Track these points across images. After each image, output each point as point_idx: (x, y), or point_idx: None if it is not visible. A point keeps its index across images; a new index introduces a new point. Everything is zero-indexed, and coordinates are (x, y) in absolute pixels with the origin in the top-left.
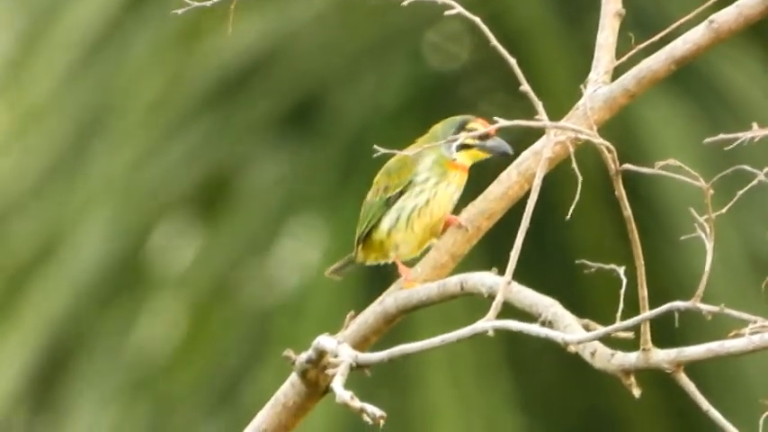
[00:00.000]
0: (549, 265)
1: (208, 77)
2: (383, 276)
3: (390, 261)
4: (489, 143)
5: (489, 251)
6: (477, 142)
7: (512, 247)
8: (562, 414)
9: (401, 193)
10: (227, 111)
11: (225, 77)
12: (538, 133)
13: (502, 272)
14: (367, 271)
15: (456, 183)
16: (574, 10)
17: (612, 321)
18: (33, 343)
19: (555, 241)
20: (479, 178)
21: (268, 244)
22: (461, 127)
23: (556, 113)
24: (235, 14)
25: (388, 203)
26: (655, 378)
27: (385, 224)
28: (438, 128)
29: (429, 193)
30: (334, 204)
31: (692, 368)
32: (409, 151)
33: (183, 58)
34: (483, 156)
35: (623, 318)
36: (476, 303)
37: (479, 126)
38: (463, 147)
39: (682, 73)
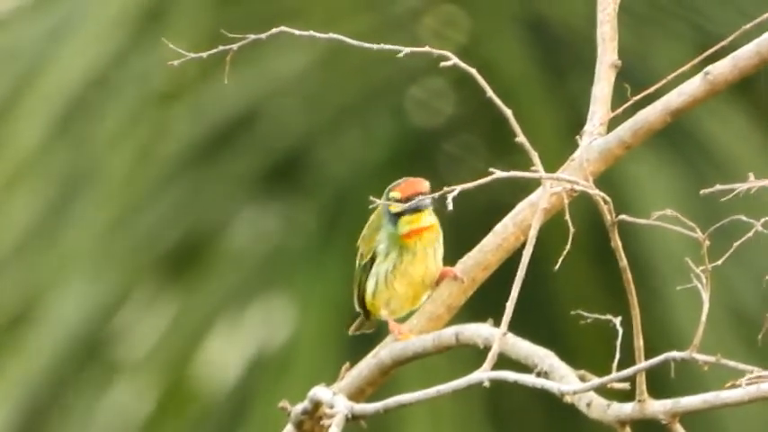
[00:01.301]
0: (534, 317)
1: (190, 134)
2: (369, 332)
3: (384, 319)
4: (411, 204)
5: (483, 302)
6: (402, 207)
7: (506, 298)
8: None
9: (373, 260)
10: (209, 168)
11: (207, 134)
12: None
13: (497, 323)
14: (354, 323)
15: (423, 246)
16: (559, 64)
17: (597, 371)
18: (8, 405)
19: (539, 293)
20: (475, 229)
21: (251, 298)
22: (387, 197)
23: (545, 166)
24: (218, 70)
25: (366, 269)
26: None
27: (369, 288)
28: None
29: (396, 260)
30: (317, 260)
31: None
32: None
33: (165, 115)
34: (420, 215)
35: (617, 368)
36: (457, 355)
37: (398, 193)
38: (397, 216)
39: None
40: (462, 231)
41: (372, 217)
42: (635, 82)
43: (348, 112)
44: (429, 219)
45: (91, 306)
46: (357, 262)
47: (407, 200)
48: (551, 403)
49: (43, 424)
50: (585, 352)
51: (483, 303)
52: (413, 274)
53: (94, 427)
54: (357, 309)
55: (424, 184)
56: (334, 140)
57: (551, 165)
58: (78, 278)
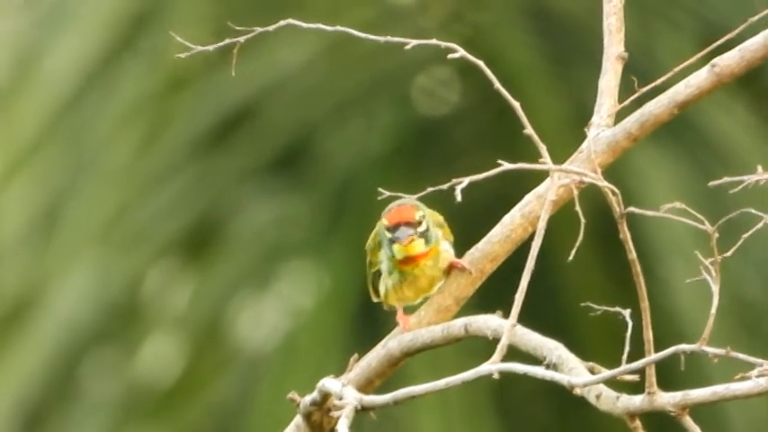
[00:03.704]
0: (541, 309)
1: (195, 124)
2: (374, 320)
3: (395, 307)
4: (396, 234)
5: (491, 293)
6: (391, 236)
7: (514, 289)
8: None
9: (380, 272)
10: (214, 158)
11: (213, 124)
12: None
13: (506, 315)
14: (357, 315)
15: (421, 269)
16: (563, 55)
17: (603, 363)
18: (24, 383)
19: (545, 285)
20: (483, 222)
21: (257, 288)
22: (382, 218)
23: (553, 157)
24: (223, 61)
25: (376, 276)
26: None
27: (380, 290)
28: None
29: (399, 278)
30: (322, 249)
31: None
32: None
33: (171, 104)
34: (407, 246)
35: (626, 360)
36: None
37: (386, 221)
38: (391, 242)
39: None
40: (469, 223)
41: (377, 227)
42: (640, 74)
43: (352, 102)
44: (422, 245)
45: (96, 292)
46: (367, 266)
47: (393, 228)
48: (559, 395)
49: (60, 399)
50: (592, 344)
51: (491, 295)
52: (419, 285)
53: (111, 402)
54: (374, 299)
55: (412, 213)
56: (339, 130)
57: (555, 156)
58: (83, 265)
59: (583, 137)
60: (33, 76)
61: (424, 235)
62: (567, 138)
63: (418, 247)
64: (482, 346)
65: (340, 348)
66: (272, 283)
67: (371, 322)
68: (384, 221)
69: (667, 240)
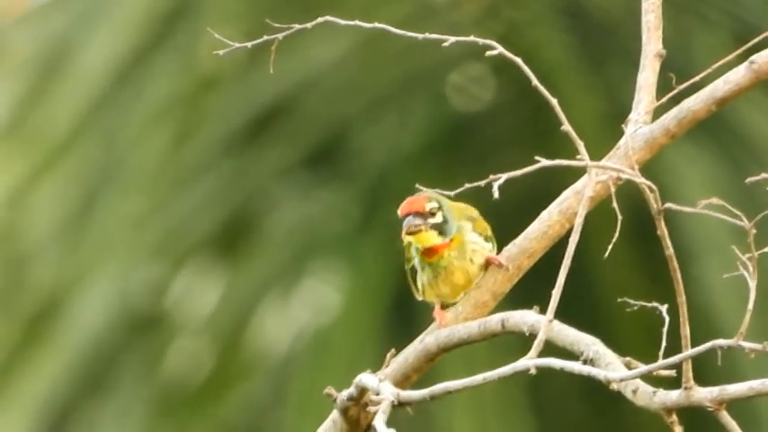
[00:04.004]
0: (576, 305)
1: (228, 121)
2: (405, 318)
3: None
4: (404, 224)
5: (527, 289)
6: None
7: (551, 285)
8: None
9: (415, 268)
10: (250, 154)
11: (248, 120)
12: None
13: (542, 311)
14: (389, 313)
15: (449, 260)
16: (597, 52)
17: (637, 358)
18: (53, 383)
19: (580, 281)
20: (520, 218)
21: (290, 285)
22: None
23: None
24: (254, 59)
25: (413, 271)
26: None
27: (418, 285)
28: None
29: (431, 274)
30: (355, 246)
31: None
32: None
33: (203, 102)
34: (417, 236)
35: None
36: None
37: (399, 211)
38: (408, 234)
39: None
40: (504, 219)
41: None
42: (677, 72)
43: (386, 98)
44: (435, 237)
45: (126, 292)
46: (405, 262)
47: (402, 219)
48: (593, 391)
49: (88, 400)
50: (625, 341)
51: (527, 291)
52: (453, 281)
53: (141, 400)
54: (417, 297)
55: (422, 203)
56: (373, 127)
57: (590, 153)
58: (114, 265)
59: (617, 134)
60: (66, 73)
61: (439, 227)
62: (601, 135)
63: (430, 238)
64: (514, 342)
65: (373, 344)
66: (305, 279)
67: (405, 319)
68: (398, 212)
69: (701, 238)
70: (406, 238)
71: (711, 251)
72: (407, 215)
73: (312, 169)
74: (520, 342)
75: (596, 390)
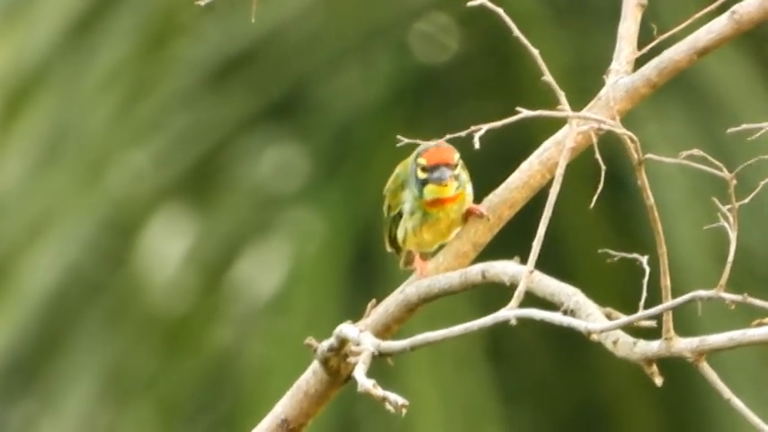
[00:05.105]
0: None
1: (190, 72)
2: (369, 269)
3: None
4: (434, 175)
5: (508, 240)
6: (426, 176)
7: (531, 236)
8: (550, 406)
9: (401, 214)
10: (211, 106)
11: (208, 73)
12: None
13: (524, 261)
14: (353, 264)
15: (446, 212)
16: (568, 3)
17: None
18: (17, 325)
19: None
20: (501, 168)
21: (257, 235)
22: (416, 161)
23: (551, 105)
24: (216, 9)
25: (395, 220)
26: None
27: (399, 235)
28: (411, 157)
29: (421, 219)
30: (320, 197)
31: None
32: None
33: (165, 53)
34: (442, 187)
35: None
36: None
37: (424, 160)
38: (422, 183)
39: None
40: (488, 170)
41: (397, 169)
42: (661, 22)
43: (350, 49)
44: (454, 188)
45: (98, 231)
46: (384, 211)
47: (432, 168)
48: (553, 344)
49: (57, 343)
50: (597, 294)
51: (509, 241)
52: (439, 227)
53: (111, 348)
54: (388, 249)
55: (451, 155)
56: (337, 78)
57: (556, 104)
58: (78, 210)
59: (585, 86)
60: (19, 29)
61: (458, 178)
62: (570, 87)
63: (452, 189)
64: (471, 296)
65: (336, 297)
66: (270, 231)
67: (368, 271)
68: (422, 161)
69: (672, 193)
70: (432, 190)
71: (680, 209)
72: (438, 165)
73: (277, 121)
74: (483, 297)
75: (558, 341)
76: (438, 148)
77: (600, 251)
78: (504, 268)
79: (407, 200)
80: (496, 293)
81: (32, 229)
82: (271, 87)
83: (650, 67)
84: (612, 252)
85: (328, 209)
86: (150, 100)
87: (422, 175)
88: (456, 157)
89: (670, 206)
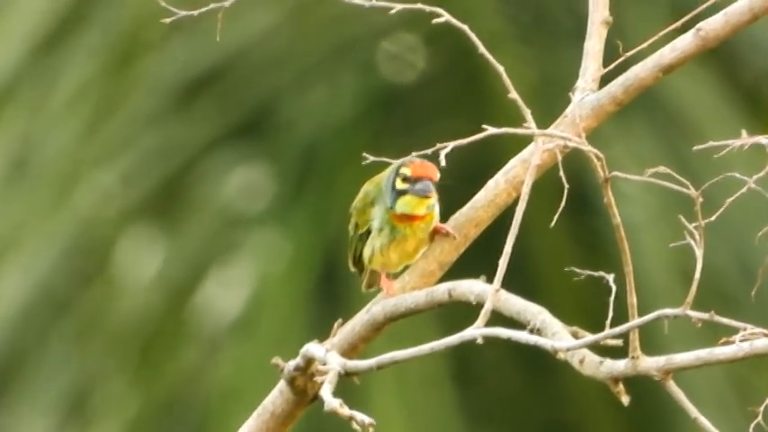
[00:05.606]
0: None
1: (155, 91)
2: (336, 289)
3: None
4: (417, 186)
5: (475, 259)
6: (407, 187)
7: (497, 254)
8: (516, 425)
9: (368, 232)
10: (177, 126)
11: (175, 91)
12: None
13: (490, 280)
14: (319, 283)
15: (413, 231)
16: (532, 22)
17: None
18: None
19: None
20: (467, 186)
21: (224, 255)
22: (396, 171)
23: (516, 122)
24: (186, 27)
25: (362, 239)
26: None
27: (365, 254)
28: (385, 173)
29: (389, 236)
30: (286, 217)
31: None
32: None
33: (131, 73)
34: (421, 201)
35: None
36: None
37: (409, 171)
38: (399, 193)
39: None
40: (455, 189)
41: (365, 187)
42: (627, 40)
43: (316, 68)
44: (427, 208)
45: (54, 257)
46: (351, 229)
47: (416, 180)
48: (519, 363)
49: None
50: (564, 310)
51: (475, 260)
52: (406, 247)
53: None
54: (352, 268)
55: (435, 172)
56: (303, 97)
57: (521, 122)
58: (38, 234)
59: (551, 104)
60: None
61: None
62: (534, 105)
63: (425, 206)
64: (438, 316)
65: (302, 316)
66: (237, 251)
67: (334, 290)
68: (406, 171)
69: (636, 211)
70: (409, 202)
71: (644, 225)
72: (421, 178)
73: (243, 141)
74: (445, 315)
75: (524, 359)
76: (424, 163)
77: (566, 269)
78: (470, 287)
79: (377, 216)
80: (463, 313)
81: None
82: (237, 107)
83: (616, 85)
84: (579, 270)
85: (294, 229)
86: (117, 119)
87: (401, 186)
88: (437, 173)
89: (636, 224)
